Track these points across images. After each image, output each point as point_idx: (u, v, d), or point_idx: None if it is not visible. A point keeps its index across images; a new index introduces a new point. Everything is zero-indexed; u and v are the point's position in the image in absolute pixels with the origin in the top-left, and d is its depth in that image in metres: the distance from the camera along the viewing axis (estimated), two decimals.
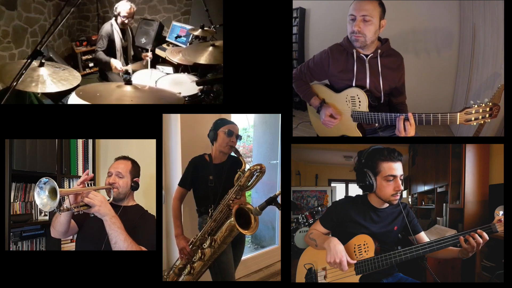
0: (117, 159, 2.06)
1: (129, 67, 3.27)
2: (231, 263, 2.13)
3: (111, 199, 1.90)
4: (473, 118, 1.81)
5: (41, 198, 1.69)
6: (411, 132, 1.90)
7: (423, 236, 1.86)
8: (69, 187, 2.64)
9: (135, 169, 2.04)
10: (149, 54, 3.27)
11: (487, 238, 1.62)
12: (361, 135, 2.15)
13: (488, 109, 1.80)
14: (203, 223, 2.13)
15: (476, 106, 1.80)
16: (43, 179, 1.67)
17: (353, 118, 2.11)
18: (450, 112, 1.83)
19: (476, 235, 1.62)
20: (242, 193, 2.07)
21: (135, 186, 2.01)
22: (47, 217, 2.52)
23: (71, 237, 1.96)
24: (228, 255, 2.10)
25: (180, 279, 2.05)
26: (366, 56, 2.05)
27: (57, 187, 1.64)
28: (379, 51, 2.03)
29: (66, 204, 1.74)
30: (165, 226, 2.52)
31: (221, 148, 2.18)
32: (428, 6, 2.99)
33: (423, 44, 3.07)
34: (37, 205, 2.43)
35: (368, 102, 2.04)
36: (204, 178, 2.17)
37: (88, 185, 1.80)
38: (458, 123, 1.83)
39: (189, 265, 2.02)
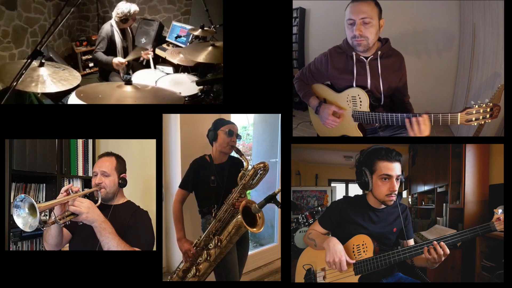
0: (101, 156, 1.94)
1: (129, 57, 3.19)
2: (236, 262, 2.12)
3: (99, 201, 1.78)
4: (473, 118, 1.79)
5: (22, 217, 1.55)
6: (425, 131, 1.84)
7: (411, 243, 1.85)
8: None
9: (121, 165, 1.93)
10: (150, 52, 3.21)
11: (448, 252, 1.62)
12: (361, 135, 2.14)
13: (488, 109, 1.78)
14: (206, 224, 2.11)
15: (476, 106, 1.78)
16: (19, 197, 1.55)
17: (354, 118, 2.10)
18: (451, 112, 1.81)
19: (438, 246, 1.61)
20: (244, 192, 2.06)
21: (122, 183, 1.90)
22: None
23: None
24: (232, 255, 2.09)
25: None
26: (366, 58, 2.03)
27: (35, 202, 1.51)
28: (379, 52, 2.00)
29: (52, 216, 1.61)
30: (164, 225, 2.51)
31: (222, 148, 2.18)
32: (428, 6, 2.99)
33: (423, 44, 3.07)
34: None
35: (369, 102, 2.03)
36: (205, 179, 2.16)
37: (72, 193, 1.66)
38: (458, 123, 1.81)
39: (194, 267, 2.00)
